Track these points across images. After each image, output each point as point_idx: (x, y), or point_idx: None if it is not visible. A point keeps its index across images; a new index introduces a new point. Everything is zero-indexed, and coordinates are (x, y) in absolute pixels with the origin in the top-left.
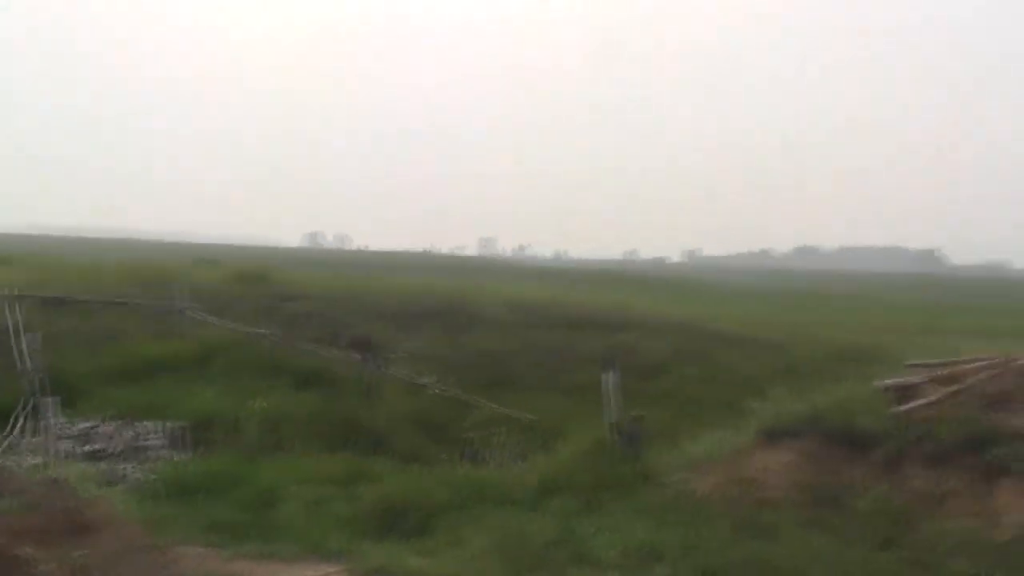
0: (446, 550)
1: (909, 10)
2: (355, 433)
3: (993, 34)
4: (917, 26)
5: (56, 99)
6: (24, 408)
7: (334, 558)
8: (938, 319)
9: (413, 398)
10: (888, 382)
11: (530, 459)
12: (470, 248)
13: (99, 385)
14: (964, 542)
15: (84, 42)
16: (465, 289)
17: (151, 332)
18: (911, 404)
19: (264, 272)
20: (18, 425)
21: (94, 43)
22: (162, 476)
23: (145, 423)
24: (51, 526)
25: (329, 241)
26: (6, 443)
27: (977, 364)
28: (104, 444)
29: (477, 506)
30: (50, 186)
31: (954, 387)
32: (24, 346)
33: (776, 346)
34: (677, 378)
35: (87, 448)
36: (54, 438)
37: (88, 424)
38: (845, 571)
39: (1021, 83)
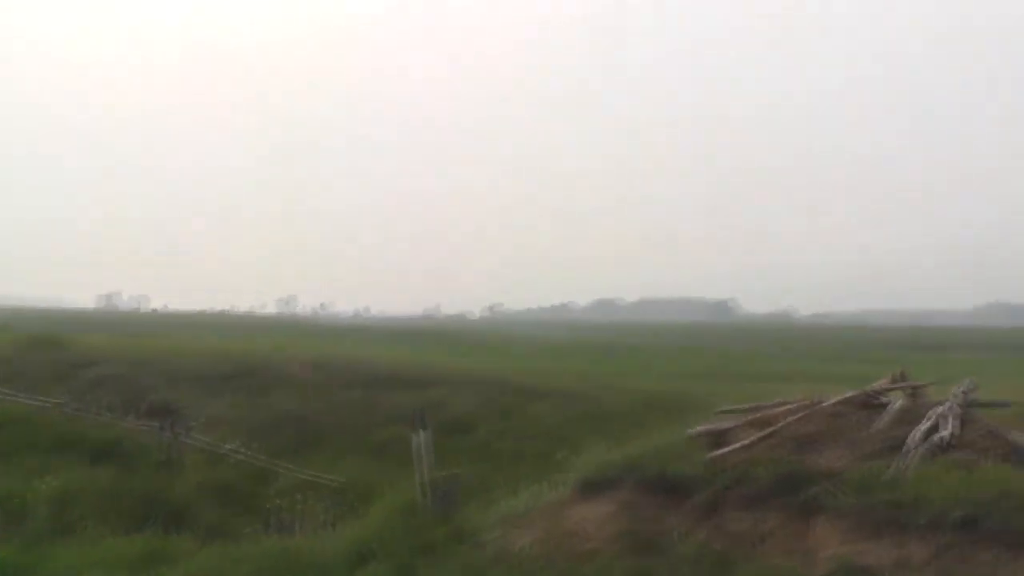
0: None
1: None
2: (155, 509)
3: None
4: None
5: None
6: None
7: None
8: (733, 364)
9: (216, 467)
10: (701, 428)
11: (340, 525)
12: (269, 307)
13: None
14: None
15: None
16: (266, 349)
17: None
18: (725, 449)
19: (57, 337)
20: None
21: None
22: None
23: None
24: None
25: (125, 302)
26: None
27: (787, 407)
28: None
29: None
30: None
31: (766, 430)
32: None
33: (583, 397)
34: (487, 433)
35: None
36: None
37: None
38: None
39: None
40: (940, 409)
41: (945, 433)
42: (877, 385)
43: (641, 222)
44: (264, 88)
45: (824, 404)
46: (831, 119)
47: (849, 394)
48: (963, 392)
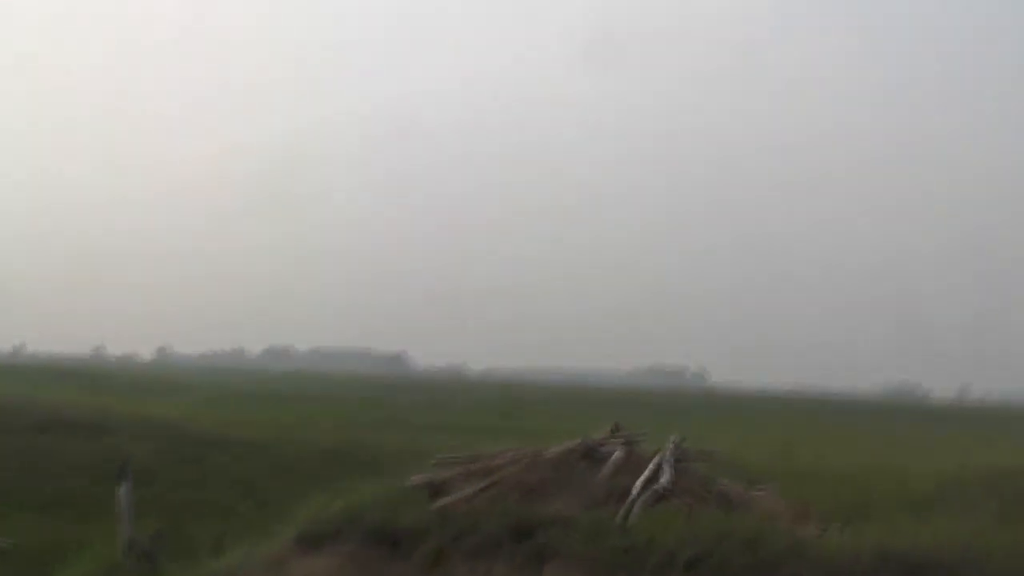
0: None
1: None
2: None
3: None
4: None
5: None
6: None
7: None
8: (412, 415)
9: None
10: (420, 478)
11: None
12: None
13: None
14: None
15: None
16: None
17: None
18: (448, 499)
19: None
20: None
21: None
22: None
23: None
24: None
25: None
26: None
27: (507, 457)
28: None
29: None
30: None
31: (488, 480)
32: None
33: (267, 447)
34: (170, 484)
35: None
36: None
37: None
38: None
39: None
40: (657, 459)
41: (664, 481)
42: (597, 436)
43: (316, 271)
44: None
45: (547, 455)
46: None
47: (570, 444)
48: (675, 444)
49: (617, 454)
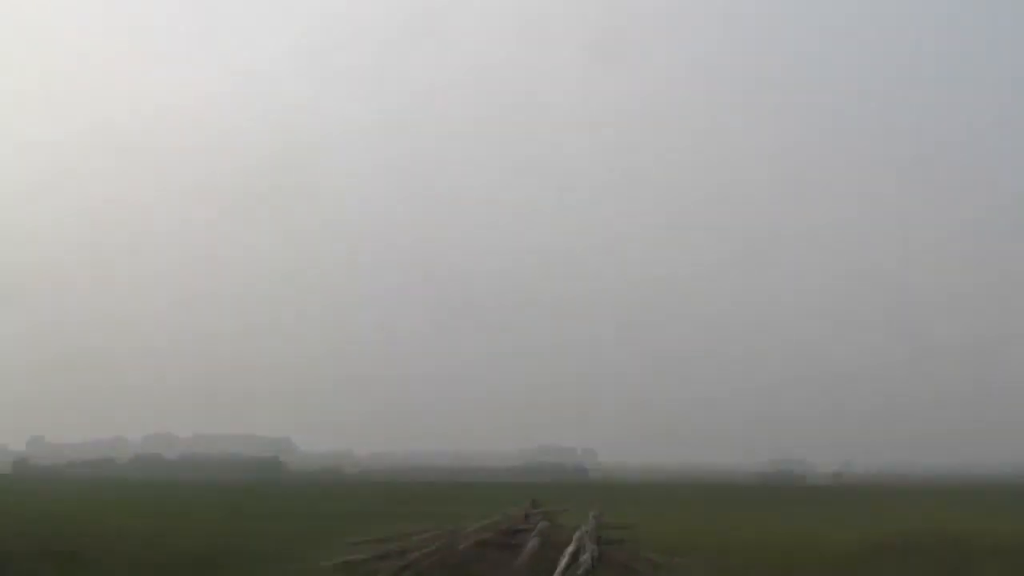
0: None
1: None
2: None
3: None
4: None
5: None
6: None
7: None
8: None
9: None
10: (337, 562)
11: None
12: None
13: None
14: None
15: None
16: None
17: None
18: None
19: None
20: None
21: None
22: None
23: None
24: None
25: None
26: None
27: (423, 537)
28: None
29: None
30: None
31: (405, 560)
32: None
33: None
34: None
35: None
36: None
37: None
38: None
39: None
40: (579, 534)
41: (587, 556)
42: (516, 512)
43: (194, 354)
44: None
45: (464, 533)
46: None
47: (489, 522)
48: (594, 519)
49: (538, 530)
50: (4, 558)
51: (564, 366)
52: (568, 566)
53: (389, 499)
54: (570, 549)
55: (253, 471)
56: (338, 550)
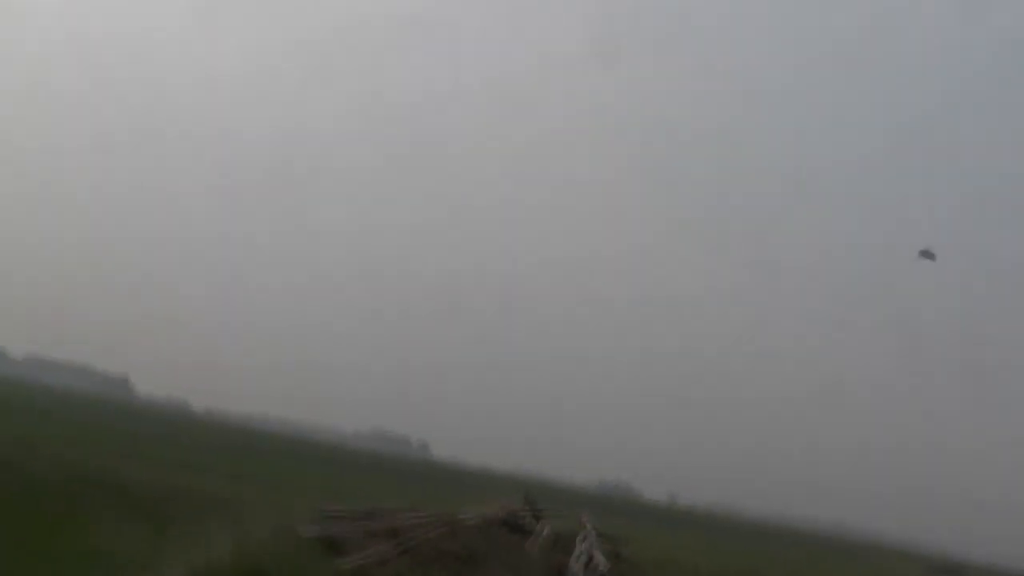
0: None
1: None
2: None
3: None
4: None
5: None
6: None
7: None
8: (144, 447)
9: None
10: (313, 530)
11: None
12: None
13: None
14: None
15: None
16: None
17: None
18: (358, 558)
19: None
20: None
21: None
22: None
23: None
24: None
25: None
26: None
27: (418, 519)
28: None
29: None
30: None
31: (402, 543)
32: None
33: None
34: None
35: None
36: None
37: None
38: None
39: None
40: (583, 538)
41: (601, 562)
42: (509, 506)
43: (41, 275)
44: None
45: (468, 522)
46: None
47: (491, 513)
48: (588, 523)
49: (542, 529)
50: None
51: (419, 356)
52: (583, 572)
53: (230, 457)
54: (580, 556)
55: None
56: (316, 518)
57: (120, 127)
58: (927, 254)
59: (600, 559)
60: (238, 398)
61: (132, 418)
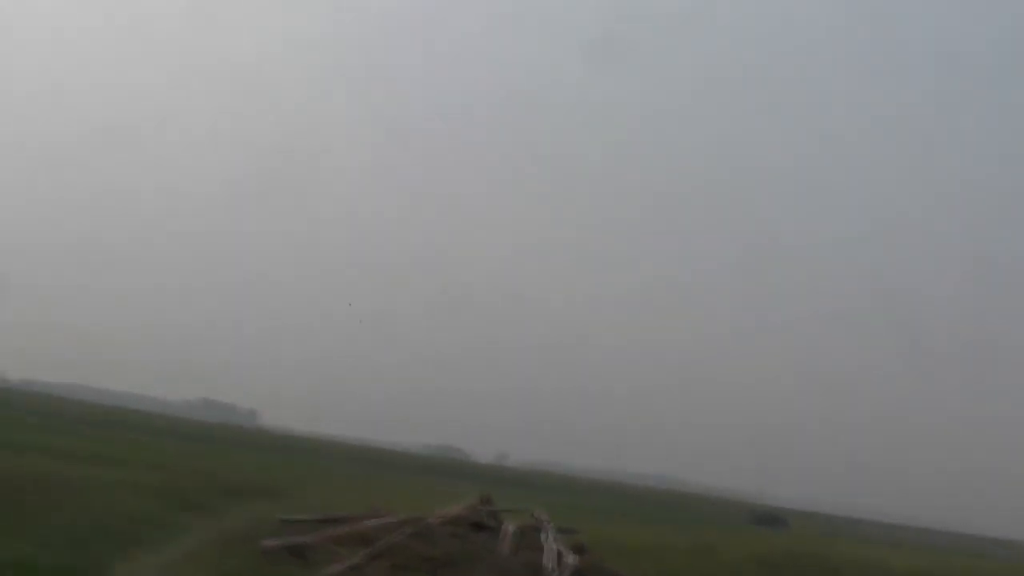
0: None
1: None
2: None
3: None
4: None
5: None
6: None
7: None
8: None
9: None
10: (276, 542)
11: None
12: None
13: None
14: None
15: None
16: None
17: None
18: (333, 569)
19: None
20: None
21: None
22: None
23: None
24: None
25: None
26: None
27: (384, 523)
28: None
29: None
30: None
31: (374, 549)
32: None
33: None
34: None
35: None
36: None
37: None
38: None
39: None
40: (548, 535)
41: (572, 559)
42: (470, 506)
43: None
44: None
45: (439, 521)
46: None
47: (458, 514)
48: (544, 519)
49: (508, 527)
50: None
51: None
52: (557, 570)
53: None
54: (550, 553)
55: None
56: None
57: None
58: None
59: (569, 555)
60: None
61: None
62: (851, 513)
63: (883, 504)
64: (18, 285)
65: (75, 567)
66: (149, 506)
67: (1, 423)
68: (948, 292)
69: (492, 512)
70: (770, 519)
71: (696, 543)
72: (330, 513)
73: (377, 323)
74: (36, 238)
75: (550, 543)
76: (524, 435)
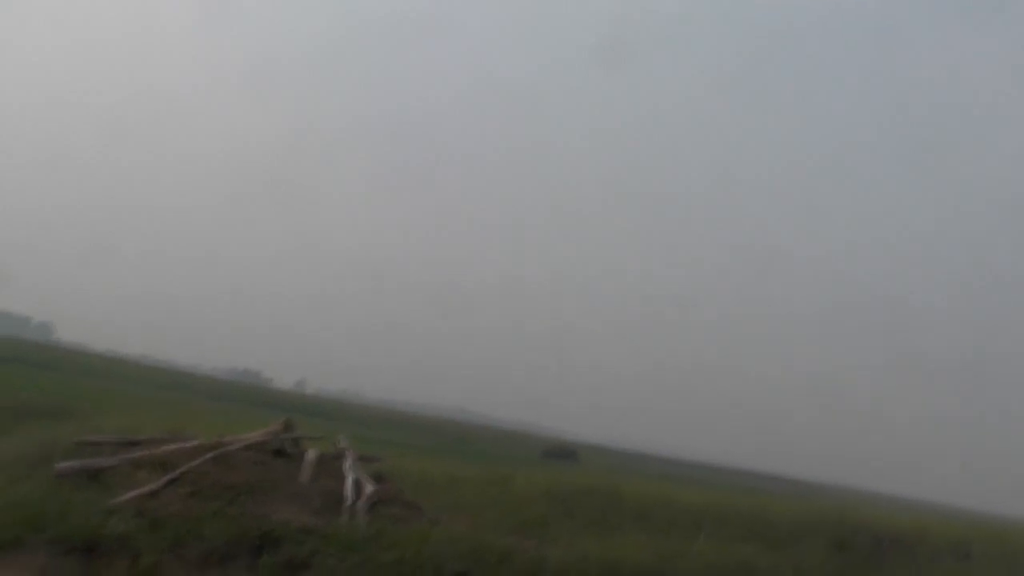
0: None
1: None
2: None
3: None
4: None
5: None
6: None
7: None
8: None
9: None
10: (70, 466)
11: None
12: None
13: None
14: None
15: None
16: None
17: None
18: (130, 494)
19: None
20: None
21: None
22: None
23: None
24: None
25: None
26: None
27: (187, 446)
28: None
29: None
30: None
31: (172, 474)
32: None
33: None
34: None
35: None
36: None
37: None
38: None
39: None
40: (348, 463)
41: (373, 489)
42: (272, 431)
43: None
44: None
45: (233, 449)
46: None
47: (256, 439)
48: (346, 448)
49: (310, 455)
50: None
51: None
52: (357, 499)
53: None
54: (350, 481)
55: None
56: (69, 451)
57: None
58: None
59: (368, 483)
60: None
61: None
62: (643, 449)
63: (675, 442)
64: None
65: None
66: None
67: None
68: None
69: (294, 439)
70: (562, 453)
71: (491, 475)
72: (128, 436)
73: (189, 250)
74: None
75: (350, 472)
76: (323, 364)
